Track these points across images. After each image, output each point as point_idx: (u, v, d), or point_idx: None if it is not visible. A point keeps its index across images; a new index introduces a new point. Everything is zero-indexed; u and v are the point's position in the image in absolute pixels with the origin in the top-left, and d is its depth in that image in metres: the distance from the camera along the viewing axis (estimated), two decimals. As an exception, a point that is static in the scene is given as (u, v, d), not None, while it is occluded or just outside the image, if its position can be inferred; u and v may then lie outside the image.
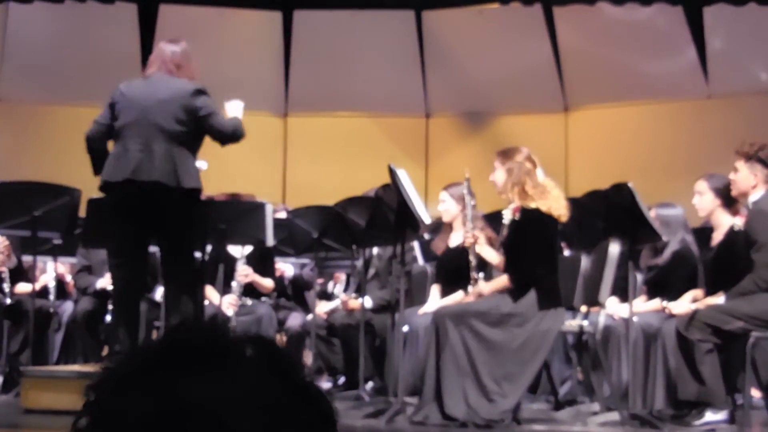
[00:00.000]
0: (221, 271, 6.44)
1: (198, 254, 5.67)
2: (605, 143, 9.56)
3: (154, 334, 6.46)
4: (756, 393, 5.57)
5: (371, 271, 6.64)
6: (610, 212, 5.26)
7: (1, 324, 6.54)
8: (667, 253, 5.71)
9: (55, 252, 6.38)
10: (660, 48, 9.40)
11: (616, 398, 5.38)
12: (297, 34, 10.02)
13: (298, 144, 10.33)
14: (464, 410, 4.81)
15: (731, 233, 5.45)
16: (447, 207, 6.13)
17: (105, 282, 6.23)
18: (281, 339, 7.27)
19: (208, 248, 5.95)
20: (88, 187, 5.38)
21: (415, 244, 6.63)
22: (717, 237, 5.57)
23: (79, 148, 5.18)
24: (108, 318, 6.18)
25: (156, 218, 4.99)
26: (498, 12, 9.40)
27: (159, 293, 6.13)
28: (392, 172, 5.34)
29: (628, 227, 5.23)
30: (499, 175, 5.19)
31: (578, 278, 5.89)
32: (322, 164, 9.90)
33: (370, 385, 6.26)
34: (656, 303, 5.60)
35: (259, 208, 6.08)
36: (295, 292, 7.55)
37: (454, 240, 5.89)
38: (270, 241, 6.15)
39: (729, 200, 5.44)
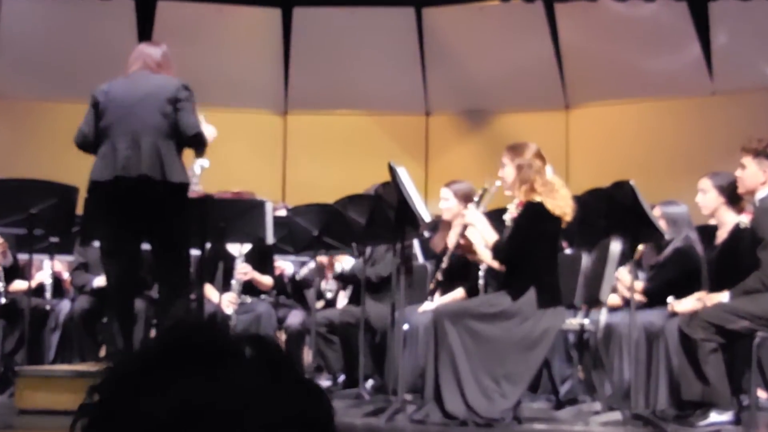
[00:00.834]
0: (221, 269, 6.46)
1: (197, 252, 5.68)
2: (607, 141, 9.57)
3: (152, 332, 6.45)
4: (762, 394, 5.57)
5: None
6: (612, 210, 5.26)
7: (-4, 322, 6.56)
8: (668, 250, 5.70)
9: (52, 250, 6.40)
10: (663, 44, 9.39)
11: (618, 398, 5.36)
12: (296, 32, 10.03)
13: (298, 142, 10.34)
14: (464, 409, 4.81)
15: (736, 231, 5.44)
16: (449, 205, 6.12)
17: (103, 280, 6.21)
18: (281, 337, 7.28)
19: (207, 246, 5.94)
20: (85, 184, 5.36)
21: (415, 242, 6.61)
22: (721, 235, 5.57)
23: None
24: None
25: (145, 213, 5.01)
26: (499, 9, 9.40)
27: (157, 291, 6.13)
28: (392, 170, 5.35)
29: (630, 225, 5.21)
30: (509, 171, 5.17)
31: (579, 276, 5.88)
32: (321, 162, 9.92)
33: (370, 383, 6.27)
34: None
35: (259, 206, 6.09)
36: (294, 291, 7.55)
37: (452, 239, 5.87)
38: (270, 239, 6.16)
39: (733, 198, 5.44)
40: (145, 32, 9.21)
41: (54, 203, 5.72)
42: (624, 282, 5.80)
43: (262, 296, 7.10)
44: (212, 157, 5.62)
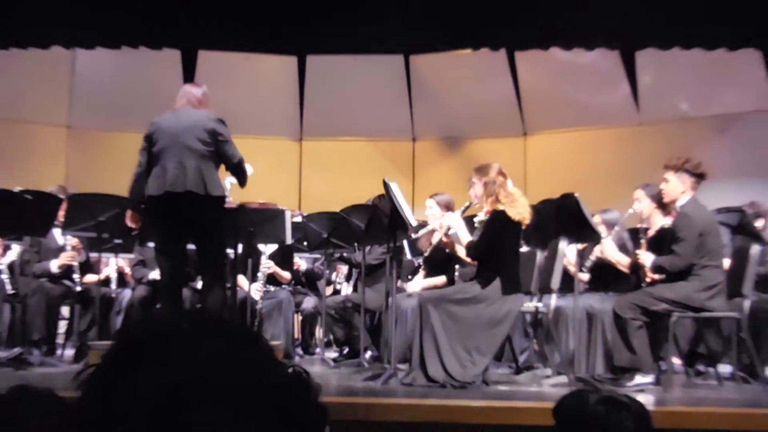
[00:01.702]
0: (250, 264, 6.46)
1: (229, 250, 5.65)
2: (556, 161, 9.56)
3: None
4: (676, 361, 5.59)
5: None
6: (560, 216, 5.27)
7: (72, 307, 6.56)
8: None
9: (116, 249, 6.37)
10: (600, 84, 9.41)
11: (565, 364, 5.39)
12: (309, 75, 10.03)
13: (311, 162, 10.34)
14: (443, 374, 4.83)
15: (661, 231, 5.48)
16: (433, 212, 6.14)
17: (157, 274, 6.22)
18: (297, 318, 7.29)
19: (239, 246, 5.95)
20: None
21: (405, 242, 6.64)
22: (650, 233, 5.61)
23: (134, 166, 5.15)
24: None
25: (190, 221, 4.97)
26: (470, 56, 9.40)
27: (200, 283, 6.15)
28: (386, 185, 5.35)
29: (575, 228, 5.24)
30: (478, 188, 5.19)
31: (534, 269, 5.91)
32: (330, 178, 9.91)
33: (368, 354, 6.25)
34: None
35: (280, 213, 6.08)
36: (308, 281, 7.57)
37: (436, 238, 5.91)
38: (289, 240, 6.16)
39: (662, 204, 5.47)
40: (188, 75, 9.18)
41: (117, 212, 5.69)
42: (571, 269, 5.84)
43: (283, 286, 7.11)
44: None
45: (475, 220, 5.36)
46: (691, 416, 3.71)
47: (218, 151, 4.98)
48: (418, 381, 4.84)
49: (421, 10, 7.79)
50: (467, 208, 5.42)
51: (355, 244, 6.32)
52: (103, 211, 5.74)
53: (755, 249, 5.61)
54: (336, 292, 7.65)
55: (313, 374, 0.82)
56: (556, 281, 5.76)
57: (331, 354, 6.84)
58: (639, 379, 4.90)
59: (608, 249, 5.67)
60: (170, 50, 9.28)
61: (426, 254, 5.81)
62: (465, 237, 5.30)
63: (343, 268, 7.81)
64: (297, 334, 7.34)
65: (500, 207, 5.09)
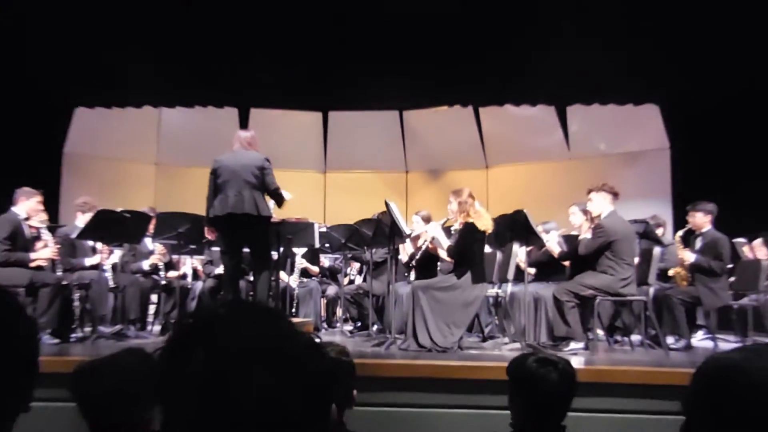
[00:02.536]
0: (288, 262, 6.46)
1: (273, 252, 5.65)
2: (511, 187, 9.55)
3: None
4: (600, 332, 5.57)
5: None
6: (513, 227, 5.26)
7: (159, 295, 6.55)
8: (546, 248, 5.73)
9: (191, 252, 6.39)
10: (541, 129, 9.41)
11: (519, 335, 5.36)
12: (331, 125, 10.04)
13: (333, 189, 10.33)
14: (429, 342, 4.81)
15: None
16: (417, 224, 6.15)
17: (221, 269, 6.21)
18: (324, 301, 7.25)
19: (281, 249, 5.95)
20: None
21: (401, 246, 6.64)
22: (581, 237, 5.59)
23: (205, 194, 5.14)
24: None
25: (246, 233, 4.96)
26: (447, 111, 9.43)
27: (252, 276, 6.13)
28: (387, 205, 5.35)
29: (524, 235, 5.24)
30: (454, 206, 5.18)
31: (495, 265, 5.90)
32: (346, 200, 9.90)
33: (375, 327, 6.24)
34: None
35: (311, 225, 6.09)
36: (331, 274, 7.55)
37: (420, 242, 5.87)
38: (317, 244, 6.16)
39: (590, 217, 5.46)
40: (243, 125, 9.19)
41: (191, 226, 5.73)
42: (522, 265, 5.82)
43: (313, 278, 7.10)
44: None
45: (452, 229, 5.35)
46: (611, 373, 3.68)
47: (263, 181, 4.97)
48: (411, 347, 4.83)
49: (410, 80, 7.92)
50: (446, 221, 5.40)
51: (365, 247, 6.31)
52: (182, 225, 5.76)
53: (657, 250, 5.61)
54: (351, 282, 7.62)
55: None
56: (511, 273, 5.76)
57: (348, 327, 6.82)
58: (573, 345, 4.88)
59: (550, 244, 5.63)
60: (230, 108, 9.35)
61: (417, 256, 5.76)
62: (444, 242, 5.29)
63: (356, 264, 7.79)
64: (323, 313, 7.31)
65: (470, 220, 5.08)
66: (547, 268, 5.82)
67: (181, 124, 9.56)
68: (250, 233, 4.96)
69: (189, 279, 6.67)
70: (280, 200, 5.07)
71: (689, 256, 5.56)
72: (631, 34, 6.90)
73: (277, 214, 5.49)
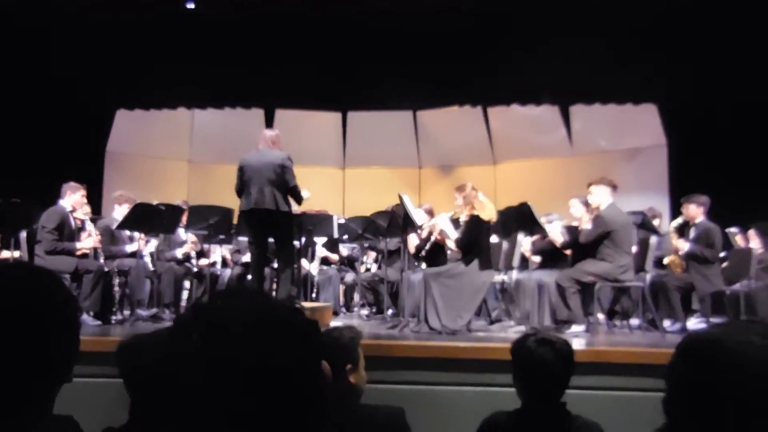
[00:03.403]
0: (310, 251, 6.47)
1: (295, 242, 5.65)
2: (517, 181, 9.47)
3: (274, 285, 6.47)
4: (600, 316, 5.52)
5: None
6: (519, 217, 5.23)
7: (191, 281, 6.58)
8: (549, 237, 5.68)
9: (221, 242, 6.41)
10: (546, 128, 9.31)
11: (524, 318, 5.33)
12: (350, 124, 10.00)
13: (351, 183, 10.29)
14: (440, 325, 4.80)
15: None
16: (423, 216, 6.12)
17: (248, 257, 6.24)
18: (342, 287, 7.25)
19: (303, 239, 5.95)
20: (238, 209, 5.35)
21: (413, 235, 6.63)
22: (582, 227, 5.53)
23: (231, 187, 5.16)
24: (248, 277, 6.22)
25: (269, 225, 4.95)
26: (458, 110, 9.39)
27: (276, 264, 6.14)
28: (401, 198, 5.34)
29: (528, 225, 5.20)
30: (460, 200, 5.15)
31: (501, 253, 5.86)
32: (364, 194, 9.86)
33: (390, 311, 6.23)
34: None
35: (330, 217, 6.11)
36: (349, 262, 7.55)
37: (425, 234, 5.83)
38: (336, 234, 6.17)
39: (589, 208, 5.40)
40: (269, 125, 9.19)
41: (220, 218, 5.76)
42: (527, 253, 5.78)
43: (332, 266, 7.11)
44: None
45: (460, 221, 5.32)
46: (611, 353, 3.65)
47: (283, 177, 4.95)
48: (423, 330, 4.82)
49: (423, 83, 7.94)
50: (454, 213, 5.37)
51: (380, 237, 6.30)
52: (212, 217, 5.78)
53: (653, 239, 5.54)
54: (367, 269, 7.63)
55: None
56: (516, 261, 5.73)
57: (365, 312, 6.82)
58: (575, 328, 4.85)
59: (553, 234, 5.58)
60: (257, 109, 9.36)
61: (426, 246, 5.72)
62: (452, 233, 5.27)
63: (372, 253, 7.79)
64: (342, 298, 7.32)
65: (475, 212, 5.03)
66: (550, 256, 5.77)
67: (212, 124, 9.57)
68: (273, 226, 4.95)
69: (218, 266, 6.70)
70: (298, 198, 5.04)
71: (683, 245, 5.49)
72: (631, 35, 6.83)
73: (299, 207, 5.49)
